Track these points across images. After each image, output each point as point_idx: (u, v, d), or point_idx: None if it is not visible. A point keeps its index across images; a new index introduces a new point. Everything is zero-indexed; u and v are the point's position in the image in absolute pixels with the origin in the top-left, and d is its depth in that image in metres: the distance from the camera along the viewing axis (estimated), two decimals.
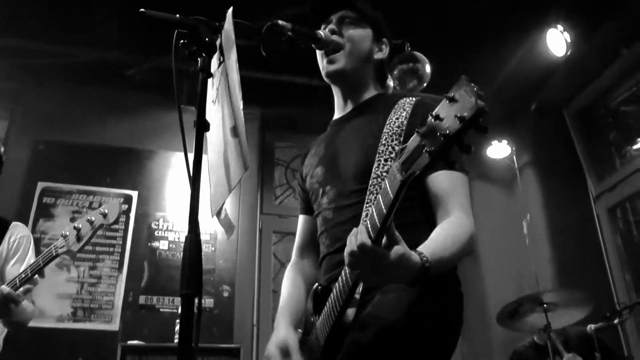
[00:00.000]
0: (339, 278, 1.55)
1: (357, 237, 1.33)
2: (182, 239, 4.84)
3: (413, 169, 1.20)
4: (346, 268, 1.48)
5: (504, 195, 5.75)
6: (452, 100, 1.11)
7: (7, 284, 2.35)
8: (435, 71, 4.48)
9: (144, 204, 4.95)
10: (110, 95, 5.09)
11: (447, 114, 1.11)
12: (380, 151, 1.67)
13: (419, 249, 1.42)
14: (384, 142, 1.68)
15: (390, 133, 1.69)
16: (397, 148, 1.65)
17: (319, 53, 1.96)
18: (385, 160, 1.66)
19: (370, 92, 1.98)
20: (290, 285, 2.01)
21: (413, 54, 4.32)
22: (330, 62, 1.90)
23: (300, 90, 5.02)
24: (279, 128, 5.54)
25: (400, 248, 1.33)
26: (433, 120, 1.14)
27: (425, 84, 4.29)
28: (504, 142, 5.33)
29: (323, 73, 1.96)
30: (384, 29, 2.03)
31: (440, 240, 1.51)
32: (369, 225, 1.33)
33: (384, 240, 1.34)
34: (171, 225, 4.95)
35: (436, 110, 1.14)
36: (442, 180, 1.66)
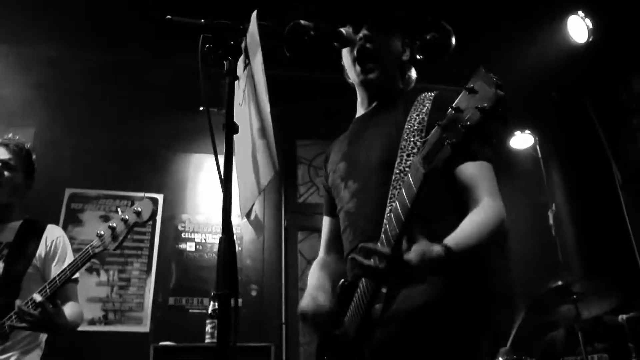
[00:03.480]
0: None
1: (377, 255, 1.37)
2: (209, 240, 4.91)
3: (435, 162, 1.22)
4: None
5: (529, 185, 5.69)
6: (471, 91, 1.12)
7: (48, 283, 2.40)
8: (454, 62, 4.45)
9: (169, 206, 5.00)
10: (132, 98, 5.13)
11: (467, 105, 1.12)
12: (402, 146, 1.69)
13: (445, 240, 1.45)
14: (405, 137, 1.70)
15: (411, 129, 1.71)
16: (418, 143, 1.67)
17: (348, 55, 1.99)
18: (408, 155, 1.67)
19: (393, 90, 2.01)
20: (315, 276, 2.03)
21: (438, 23, 4.19)
22: (366, 71, 1.93)
23: (321, 87, 5.01)
24: (301, 126, 5.54)
25: (419, 247, 1.37)
26: (453, 112, 1.15)
27: (448, 56, 4.20)
28: (527, 132, 5.28)
29: (357, 79, 1.99)
30: (411, 29, 2.07)
31: (466, 229, 1.55)
32: (393, 218, 1.35)
33: (404, 241, 1.36)
34: (197, 227, 5.00)
35: (456, 102, 1.16)
36: (469, 170, 1.69)
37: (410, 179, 1.30)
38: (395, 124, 1.79)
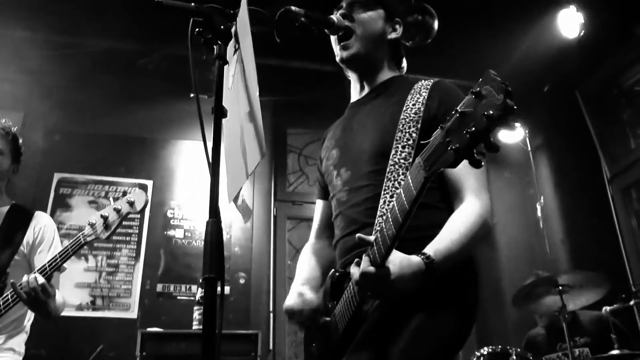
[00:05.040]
0: None
1: (361, 265, 1.39)
2: (198, 227, 4.91)
3: (437, 166, 1.20)
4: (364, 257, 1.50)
5: (518, 178, 5.73)
6: (478, 95, 1.08)
7: (38, 270, 2.39)
8: (446, 54, 4.46)
9: (158, 192, 5.00)
10: (123, 84, 5.11)
11: (474, 110, 1.09)
12: (398, 137, 1.68)
13: (425, 249, 1.47)
14: (401, 128, 1.69)
15: (407, 119, 1.69)
16: (414, 135, 1.66)
17: (333, 39, 1.96)
18: (403, 147, 1.66)
19: (386, 74, 1.98)
20: (305, 262, 2.04)
21: (422, 5, 4.11)
22: (344, 47, 1.90)
23: (312, 77, 5.02)
24: (291, 115, 5.53)
25: (396, 261, 1.38)
26: (459, 116, 1.12)
27: (430, 40, 4.10)
28: (517, 124, 5.30)
29: (337, 59, 1.96)
30: (396, 7, 2.02)
31: (446, 235, 1.54)
32: (391, 220, 1.35)
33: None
34: (186, 214, 5.00)
35: (461, 105, 1.12)
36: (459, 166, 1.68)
37: (410, 181, 1.28)
38: (391, 113, 1.77)
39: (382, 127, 1.77)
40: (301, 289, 1.84)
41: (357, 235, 1.47)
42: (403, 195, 1.31)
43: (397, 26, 2.00)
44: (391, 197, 1.62)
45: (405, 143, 1.66)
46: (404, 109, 1.72)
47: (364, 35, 1.89)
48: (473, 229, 1.55)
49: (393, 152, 1.67)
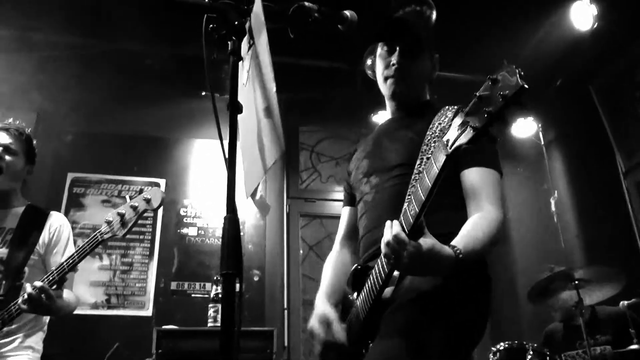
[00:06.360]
0: (378, 259, 1.62)
1: (392, 228, 1.42)
2: (211, 225, 4.93)
3: (458, 144, 1.28)
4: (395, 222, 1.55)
5: (531, 173, 5.69)
6: (494, 81, 1.19)
7: (55, 269, 2.40)
8: (458, 48, 4.43)
9: (171, 191, 5.01)
10: (134, 84, 5.12)
11: (491, 93, 1.19)
12: (423, 150, 1.76)
13: (453, 242, 1.52)
14: (426, 142, 1.78)
15: (433, 135, 1.78)
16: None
17: (380, 68, 2.08)
18: (427, 158, 1.71)
19: (420, 99, 2.11)
20: (330, 269, 2.12)
21: None
22: (396, 93, 2.04)
23: (323, 74, 5.01)
24: (303, 112, 5.53)
25: (429, 240, 1.43)
26: (477, 99, 1.22)
27: (429, 30, 4.05)
28: (530, 119, 5.27)
29: (386, 93, 2.09)
30: (434, 43, 2.14)
31: (472, 233, 1.60)
32: (414, 201, 1.41)
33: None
34: (199, 212, 5.01)
35: (480, 90, 1.22)
36: (475, 175, 1.76)
37: (433, 161, 1.36)
38: (419, 130, 1.87)
39: (409, 141, 1.89)
40: (328, 314, 1.88)
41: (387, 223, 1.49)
42: (426, 174, 1.39)
43: (436, 62, 2.13)
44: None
45: (429, 155, 1.72)
46: (431, 126, 1.81)
47: (417, 82, 2.06)
48: (494, 232, 1.64)
49: (418, 162, 1.75)
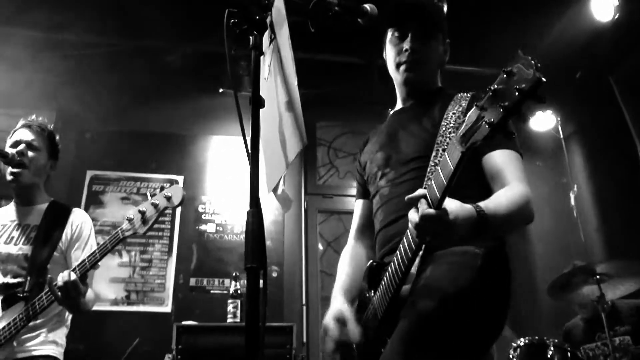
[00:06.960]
0: (395, 255, 1.60)
1: (420, 208, 1.37)
2: (229, 222, 4.93)
3: (473, 140, 1.23)
4: (401, 247, 1.55)
5: (550, 167, 5.64)
6: (509, 74, 1.14)
7: (77, 265, 2.42)
8: (477, 41, 4.39)
9: (189, 188, 5.02)
10: (152, 82, 5.14)
11: (506, 86, 1.14)
12: (439, 142, 1.75)
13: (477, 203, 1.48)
14: (441, 133, 1.76)
15: (447, 126, 1.76)
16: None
17: (392, 55, 2.04)
18: (443, 150, 1.72)
19: (433, 86, 2.07)
20: (346, 265, 2.09)
21: None
22: (408, 78, 2.00)
23: (340, 69, 4.99)
24: (320, 108, 5.51)
25: (451, 202, 1.38)
26: (492, 93, 1.17)
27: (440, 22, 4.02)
28: (549, 112, 5.21)
29: (398, 79, 2.06)
30: (447, 27, 2.09)
31: (494, 198, 1.58)
32: (429, 196, 1.36)
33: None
34: (217, 208, 5.03)
35: (495, 83, 1.17)
36: (497, 158, 1.73)
37: (447, 157, 1.32)
38: (433, 119, 1.85)
39: (425, 133, 1.86)
40: (344, 313, 1.85)
41: (407, 197, 1.44)
42: (440, 172, 1.33)
43: (447, 48, 2.09)
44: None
45: (445, 147, 1.72)
46: (445, 116, 1.79)
47: (429, 67, 2.02)
48: (519, 202, 1.60)
49: (434, 154, 1.73)
